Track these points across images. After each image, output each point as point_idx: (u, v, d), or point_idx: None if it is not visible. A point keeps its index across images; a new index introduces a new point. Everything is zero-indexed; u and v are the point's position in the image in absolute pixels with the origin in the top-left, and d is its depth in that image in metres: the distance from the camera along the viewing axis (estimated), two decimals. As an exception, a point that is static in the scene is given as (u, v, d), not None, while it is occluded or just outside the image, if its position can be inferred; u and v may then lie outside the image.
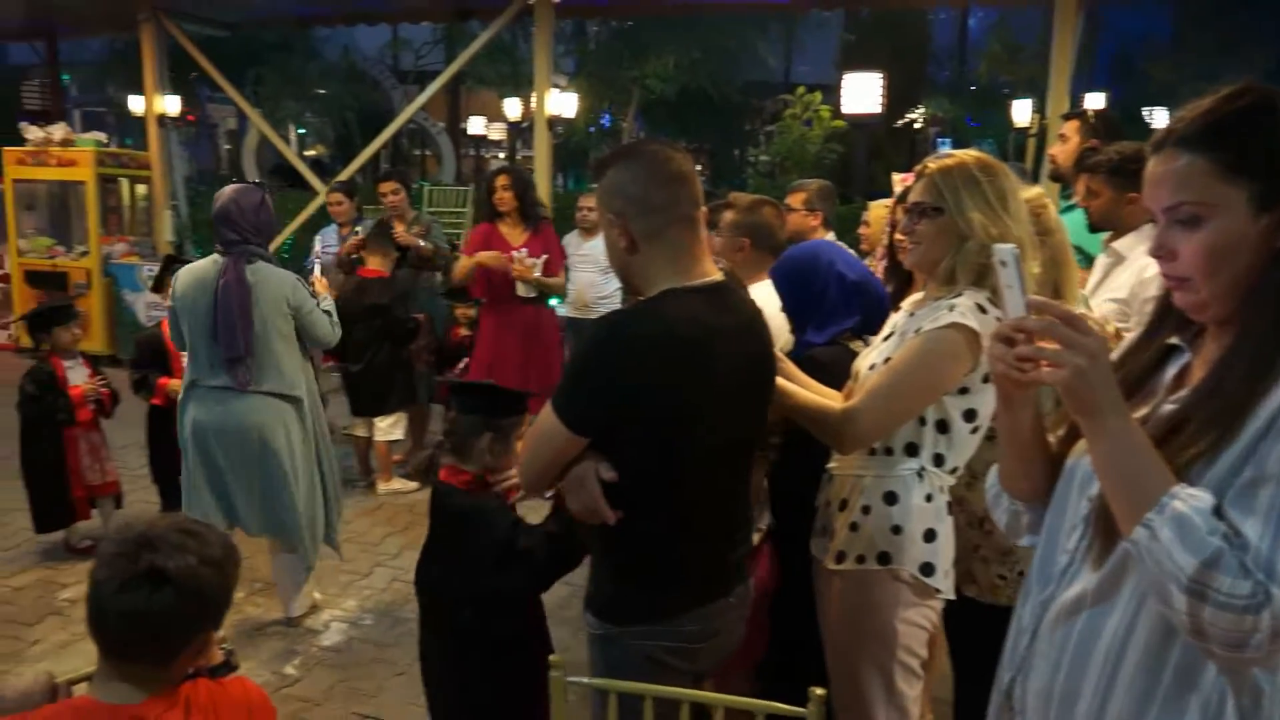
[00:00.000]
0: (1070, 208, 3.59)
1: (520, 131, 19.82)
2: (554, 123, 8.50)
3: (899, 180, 3.96)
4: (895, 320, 2.16)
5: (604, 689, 1.81)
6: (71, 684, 1.52)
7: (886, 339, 2.13)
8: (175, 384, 4.68)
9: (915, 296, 2.15)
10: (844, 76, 8.48)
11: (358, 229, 5.88)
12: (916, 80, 15.83)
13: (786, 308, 2.60)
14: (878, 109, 8.31)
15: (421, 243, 5.55)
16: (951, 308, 1.93)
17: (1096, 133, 3.77)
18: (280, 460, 3.66)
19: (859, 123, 8.66)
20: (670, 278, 1.79)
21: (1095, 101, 10.61)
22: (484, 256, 5.15)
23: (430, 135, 17.00)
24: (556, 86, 9.10)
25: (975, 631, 2.14)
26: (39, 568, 4.51)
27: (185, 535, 1.40)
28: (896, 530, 2.03)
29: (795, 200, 4.23)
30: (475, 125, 20.28)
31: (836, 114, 9.11)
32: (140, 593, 1.34)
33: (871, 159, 11.86)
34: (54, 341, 4.51)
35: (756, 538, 2.32)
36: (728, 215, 3.13)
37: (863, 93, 8.21)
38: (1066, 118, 4.12)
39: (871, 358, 2.12)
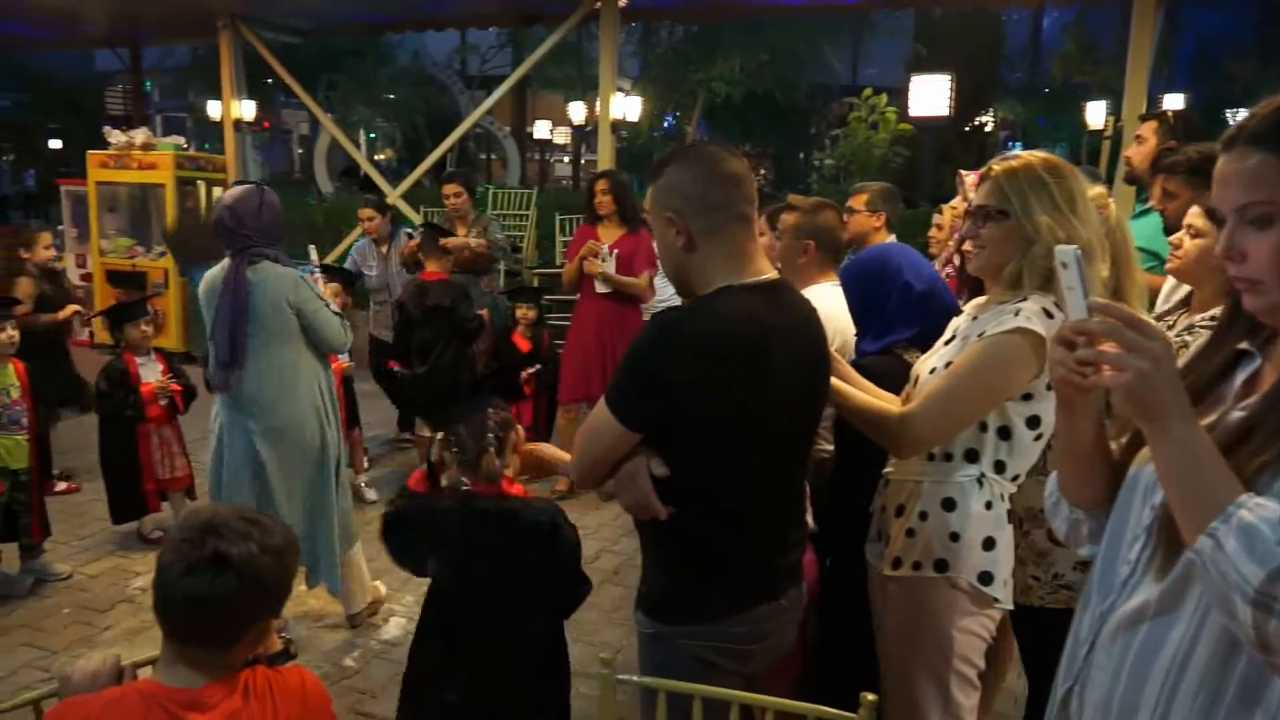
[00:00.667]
0: (1146, 211, 3.48)
1: (585, 135, 19.99)
2: (618, 126, 8.53)
3: (969, 181, 3.88)
4: (958, 323, 2.12)
5: (653, 688, 1.80)
6: (137, 667, 1.57)
7: (948, 342, 2.09)
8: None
9: (979, 300, 2.11)
10: (912, 78, 8.37)
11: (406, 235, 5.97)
12: (988, 82, 15.55)
13: (852, 312, 2.57)
14: (946, 111, 8.18)
15: (473, 241, 5.62)
16: (1016, 312, 1.89)
17: (1175, 134, 3.64)
18: (273, 478, 3.55)
19: (926, 125, 8.53)
20: (726, 276, 1.79)
21: (1174, 103, 10.30)
22: (585, 251, 5.29)
23: (496, 139, 17.23)
24: (621, 90, 9.14)
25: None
26: (113, 556, 4.66)
27: (248, 524, 1.44)
28: (954, 537, 2.00)
29: (858, 201, 4.19)
30: (540, 129, 20.47)
31: (903, 116, 8.99)
32: (204, 577, 1.38)
33: (939, 163, 11.66)
34: (125, 338, 4.66)
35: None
36: (788, 218, 3.10)
37: (931, 95, 8.09)
38: (1144, 119, 4.00)
39: (932, 361, 2.08)
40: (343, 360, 5.18)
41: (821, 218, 3.05)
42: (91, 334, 9.46)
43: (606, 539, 5.01)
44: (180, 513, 4.83)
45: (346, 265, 6.27)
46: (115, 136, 9.20)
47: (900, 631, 2.10)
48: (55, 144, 24.02)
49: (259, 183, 3.79)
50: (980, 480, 2.00)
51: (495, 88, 10.13)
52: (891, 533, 2.10)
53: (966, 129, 15.55)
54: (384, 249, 6.20)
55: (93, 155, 9.27)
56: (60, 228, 9.95)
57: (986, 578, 2.00)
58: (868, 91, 9.54)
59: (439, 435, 2.45)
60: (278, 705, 1.49)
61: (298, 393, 3.54)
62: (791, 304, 1.86)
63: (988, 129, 17.08)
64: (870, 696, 1.68)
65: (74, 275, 9.64)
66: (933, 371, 2.04)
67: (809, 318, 1.89)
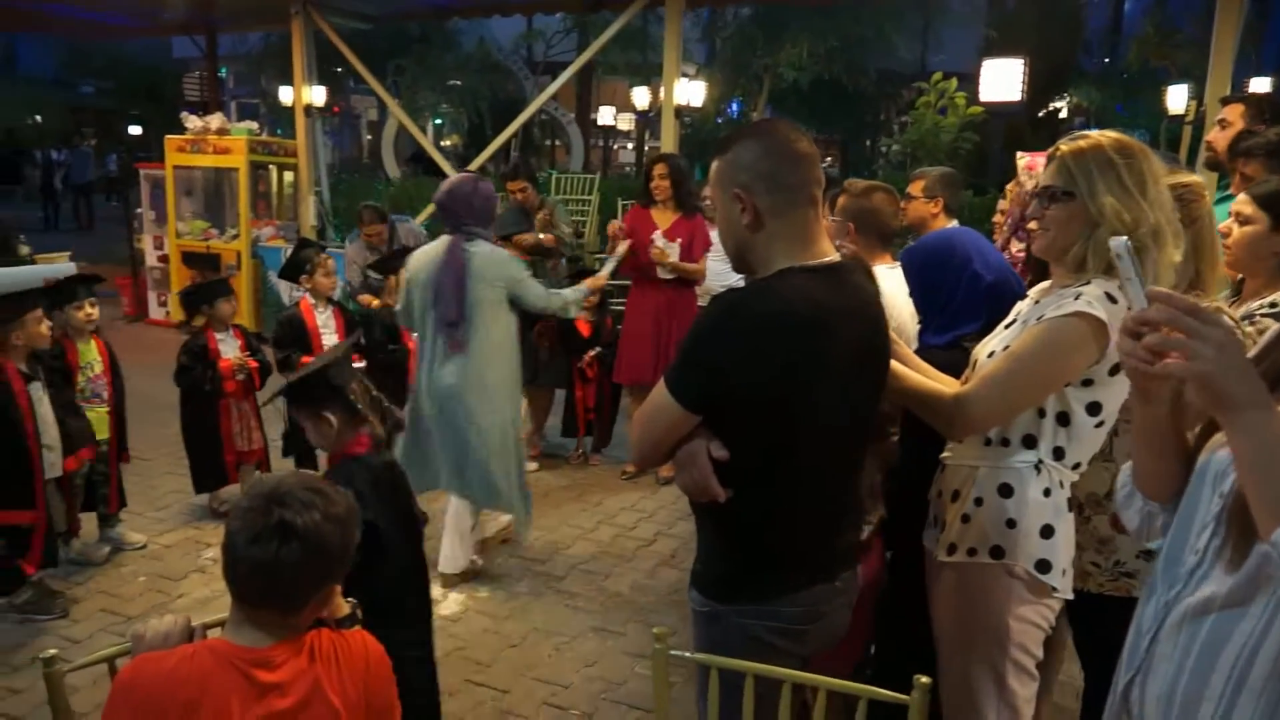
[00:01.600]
0: (1227, 198, 3.37)
1: (648, 121, 19.97)
2: (681, 112, 8.51)
3: (1024, 164, 3.79)
4: (1020, 307, 2.09)
5: (706, 665, 1.81)
6: (207, 628, 1.63)
7: (1009, 326, 2.05)
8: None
9: (1042, 285, 2.07)
10: (984, 63, 8.19)
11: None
12: (1063, 67, 15.12)
13: (915, 300, 2.52)
14: (1018, 96, 7.98)
15: (541, 236, 5.67)
16: (1078, 296, 1.85)
17: (1263, 117, 3.50)
18: (476, 418, 4.01)
19: (998, 111, 8.35)
20: (789, 257, 1.77)
21: (1261, 87, 9.91)
22: (622, 246, 5.31)
23: (560, 125, 17.29)
24: (685, 75, 9.10)
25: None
26: (186, 528, 4.82)
27: (313, 493, 1.49)
28: (1010, 524, 1.97)
29: (915, 187, 4.13)
30: (605, 115, 20.50)
31: (974, 102, 8.81)
32: (270, 545, 1.43)
33: (1010, 149, 11.37)
34: (215, 314, 4.80)
35: (867, 531, 2.28)
36: (840, 201, 3.08)
37: (1003, 79, 7.90)
38: (1227, 101, 3.85)
39: (991, 345, 2.05)
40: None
41: (869, 201, 3.01)
42: (168, 312, 9.77)
43: (663, 522, 5.03)
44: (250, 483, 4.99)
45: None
46: (192, 122, 9.44)
47: (955, 618, 2.08)
48: (135, 130, 24.81)
49: (475, 173, 4.40)
50: (1038, 466, 1.97)
51: (560, 73, 10.17)
52: (947, 518, 2.09)
53: (1040, 114, 15.16)
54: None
55: (170, 140, 9.53)
56: (139, 211, 10.26)
57: (1044, 566, 1.97)
58: (937, 76, 9.37)
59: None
60: (341, 667, 1.54)
61: (505, 353, 4.10)
62: (853, 287, 1.83)
63: (1062, 115, 16.62)
64: (924, 679, 1.66)
65: (151, 256, 9.96)
66: (991, 355, 2.01)
67: (870, 301, 1.87)
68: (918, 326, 2.54)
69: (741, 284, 4.82)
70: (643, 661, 3.64)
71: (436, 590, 4.19)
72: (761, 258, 1.81)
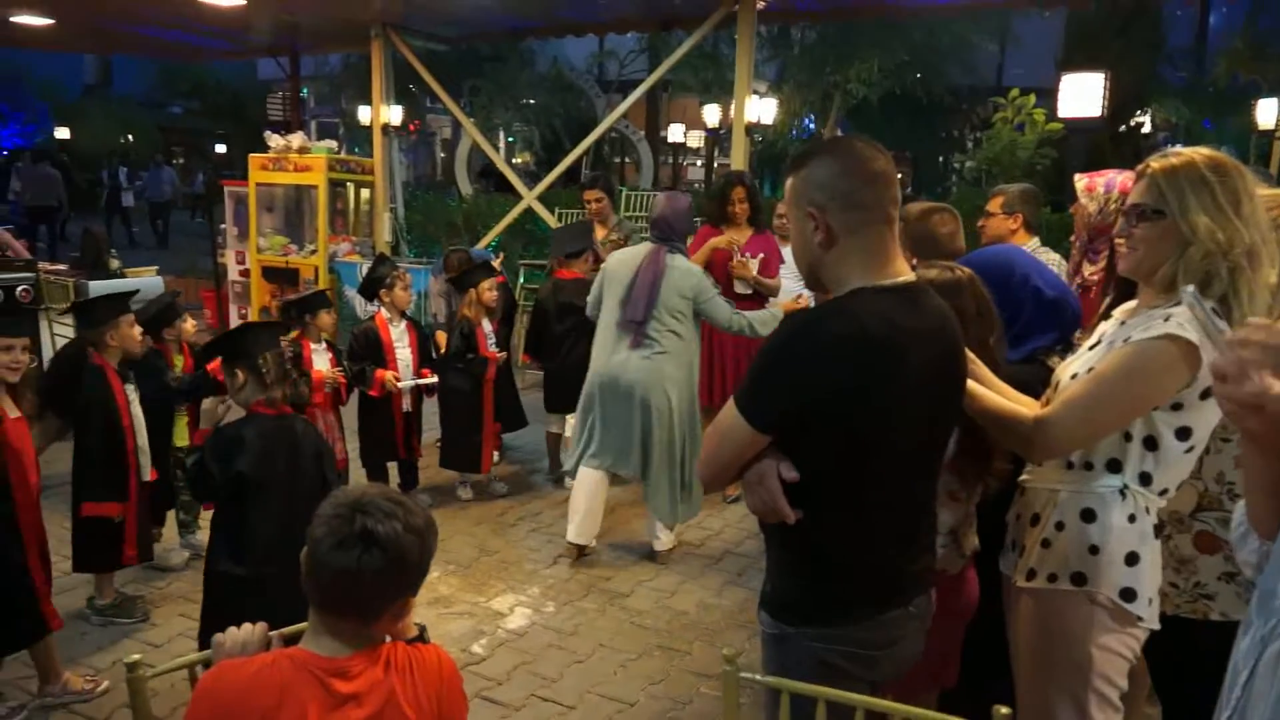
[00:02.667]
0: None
1: (718, 139, 19.97)
2: (752, 129, 8.48)
3: (1082, 186, 3.69)
4: (1105, 328, 2.03)
5: (776, 688, 1.79)
6: (284, 639, 1.66)
7: (1093, 347, 2.00)
8: (390, 375, 5.04)
9: (1129, 305, 2.01)
10: (1062, 77, 8.00)
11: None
12: (1146, 81, 14.71)
13: None
14: (1099, 112, 7.78)
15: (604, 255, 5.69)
16: (1167, 317, 1.79)
17: None
18: (651, 416, 4.40)
19: (1077, 127, 8.14)
20: (862, 276, 1.75)
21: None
22: (715, 241, 5.33)
23: (630, 143, 17.39)
24: (756, 93, 9.09)
25: (1146, 646, 1.99)
26: (264, 535, 4.93)
27: (394, 504, 1.52)
28: (1094, 550, 1.91)
29: (994, 204, 4.06)
30: (675, 133, 20.59)
31: (1052, 117, 8.62)
32: (352, 552, 1.46)
33: (1090, 166, 11.09)
34: (316, 324, 4.91)
35: (961, 563, 2.24)
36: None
37: (1083, 94, 7.70)
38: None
39: (1074, 366, 2.00)
40: (498, 354, 5.38)
41: (926, 225, 2.95)
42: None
43: (730, 541, 4.99)
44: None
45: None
46: (274, 140, 9.72)
47: (1035, 646, 2.02)
48: (220, 148, 25.68)
49: (685, 191, 4.75)
50: (1123, 492, 1.91)
51: (632, 92, 10.23)
52: (1026, 543, 2.03)
53: (1121, 130, 14.76)
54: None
55: (254, 158, 9.82)
56: (223, 226, 10.58)
57: (1129, 594, 1.90)
58: (1014, 92, 9.20)
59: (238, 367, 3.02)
60: (416, 680, 1.56)
61: (679, 359, 4.44)
62: (927, 307, 1.80)
63: (1145, 130, 16.15)
64: (1003, 709, 1.62)
65: (233, 271, 10.26)
66: (1074, 376, 1.95)
67: (945, 321, 1.84)
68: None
69: (811, 302, 4.75)
70: (708, 681, 3.61)
71: (504, 602, 4.22)
72: (834, 276, 1.79)
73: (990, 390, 1.99)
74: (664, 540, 4.70)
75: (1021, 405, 1.98)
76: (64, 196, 17.10)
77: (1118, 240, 1.95)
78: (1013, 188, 4.15)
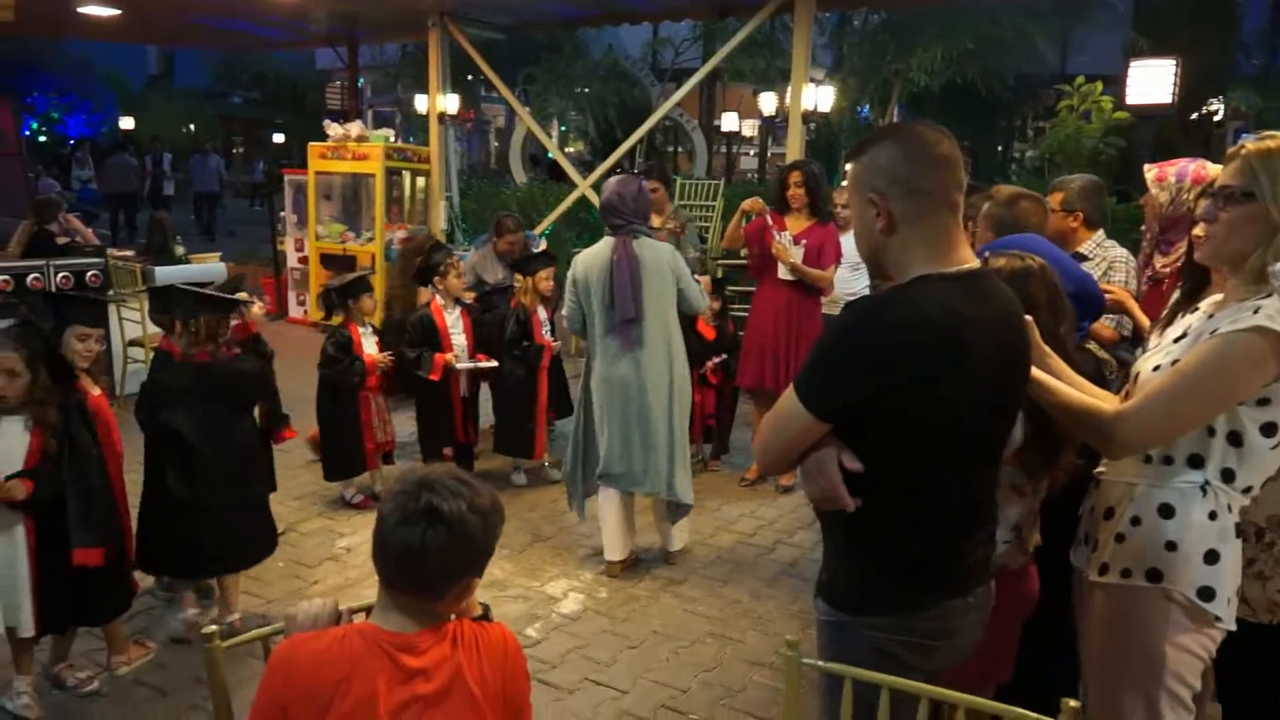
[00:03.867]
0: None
1: (772, 128, 19.81)
2: (808, 117, 8.40)
3: (1151, 177, 3.59)
4: (1190, 321, 1.97)
5: (838, 675, 1.77)
6: (353, 613, 1.69)
7: (1178, 340, 1.94)
8: (450, 358, 5.11)
9: (1215, 297, 1.95)
10: (1130, 64, 7.79)
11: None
12: (1218, 69, 14.26)
13: None
14: (1169, 100, 7.56)
15: (680, 234, 5.68)
16: (1256, 310, 1.74)
17: None
18: (653, 409, 4.20)
19: (1145, 115, 7.91)
20: (926, 263, 1.72)
21: None
22: (746, 204, 5.31)
23: (685, 131, 17.34)
24: (814, 80, 8.99)
25: (1242, 656, 1.93)
26: (321, 518, 5.03)
27: (460, 483, 1.54)
28: (1170, 547, 1.86)
29: (1054, 200, 3.95)
30: (728, 122, 20.47)
31: (1120, 106, 8.39)
32: (417, 527, 1.48)
33: (1159, 155, 10.76)
34: (358, 308, 5.01)
35: (1023, 559, 2.20)
36: (984, 208, 2.98)
37: (1152, 82, 7.47)
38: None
39: (1157, 359, 1.94)
40: (554, 343, 5.41)
41: (1014, 210, 2.91)
42: (306, 311, 10.22)
43: (783, 530, 4.97)
44: (378, 476, 5.19)
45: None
46: (333, 129, 9.87)
47: (1107, 643, 1.98)
48: (278, 138, 26.13)
49: (636, 172, 4.61)
50: (1204, 488, 1.86)
51: (686, 80, 10.19)
52: (1100, 537, 1.99)
53: (1192, 118, 14.33)
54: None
55: (313, 147, 9.97)
56: (282, 214, 10.77)
57: (1207, 593, 1.85)
58: (1080, 79, 8.99)
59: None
60: (482, 656, 1.58)
61: (674, 345, 4.26)
62: (992, 295, 1.77)
63: (1217, 119, 15.67)
64: (1072, 702, 1.59)
65: (292, 258, 10.44)
66: (1156, 369, 1.90)
67: (1010, 310, 1.80)
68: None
69: (866, 293, 4.74)
70: (761, 670, 3.61)
71: (558, 587, 4.25)
72: (896, 263, 1.77)
73: (1066, 383, 1.94)
74: (678, 540, 4.55)
75: (1099, 399, 1.93)
76: (142, 184, 17.55)
77: (1198, 226, 1.89)
78: (1073, 182, 4.01)
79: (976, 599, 1.86)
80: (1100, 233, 3.86)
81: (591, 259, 4.24)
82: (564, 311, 4.48)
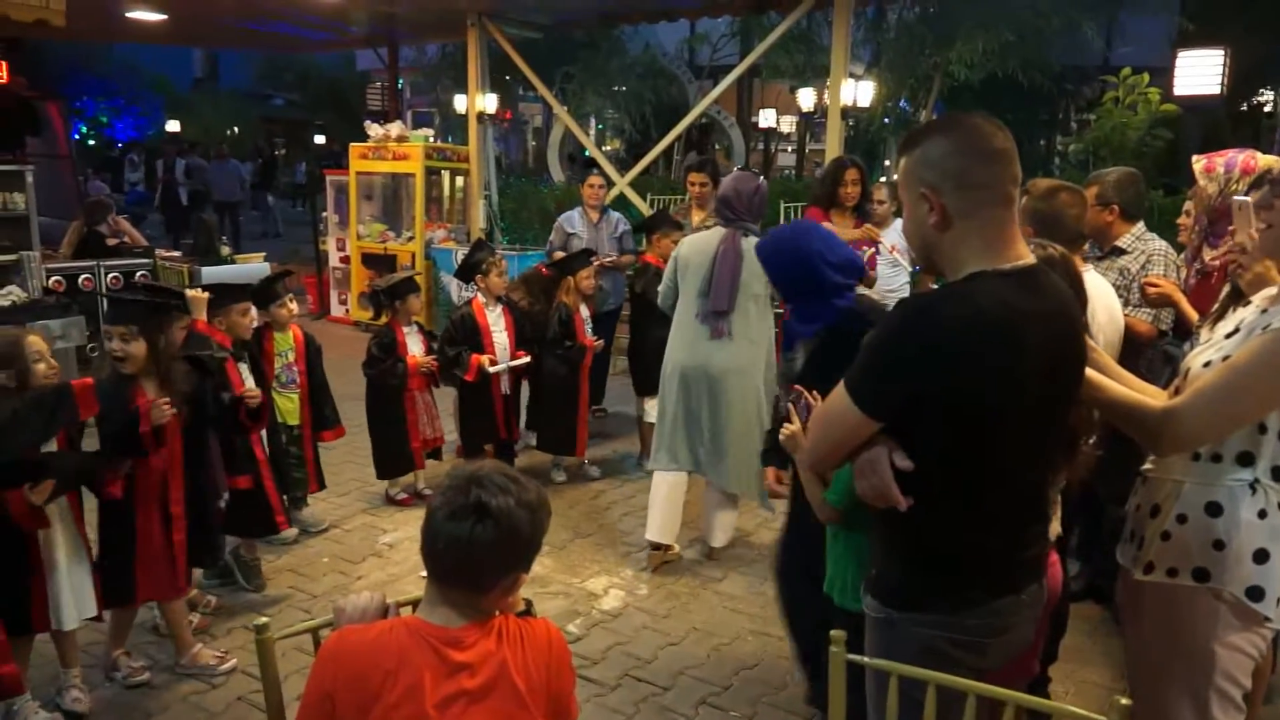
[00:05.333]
0: None
1: (810, 125, 19.67)
2: (847, 113, 8.35)
3: (1199, 168, 3.51)
4: (1242, 315, 1.93)
5: (885, 672, 1.76)
6: (400, 607, 1.71)
7: (1230, 335, 1.91)
8: (485, 359, 5.15)
9: (1269, 290, 1.91)
10: (1178, 55, 7.63)
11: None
12: (1269, 59, 13.93)
13: (777, 286, 2.95)
14: (1218, 90, 7.40)
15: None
16: None
17: None
18: (736, 408, 4.22)
19: (1193, 106, 7.74)
20: (980, 259, 1.69)
21: None
22: (852, 234, 5.28)
23: (722, 128, 17.27)
24: (853, 75, 8.92)
25: None
26: (365, 514, 5.09)
27: (508, 479, 1.56)
28: (1218, 545, 1.83)
29: (1089, 194, 3.88)
30: (766, 119, 20.37)
31: (1167, 97, 8.24)
32: (466, 522, 1.50)
33: (1207, 147, 10.52)
34: (405, 308, 5.07)
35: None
36: (1022, 202, 2.94)
37: (1200, 73, 7.33)
38: None
39: (1208, 354, 1.91)
40: (596, 342, 5.43)
41: (1053, 202, 2.87)
42: (347, 310, 10.35)
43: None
44: (420, 476, 5.24)
45: (553, 232, 6.77)
46: (374, 130, 9.98)
47: (1153, 642, 1.96)
48: (320, 139, 26.44)
49: (756, 172, 4.70)
50: (1253, 486, 1.83)
51: (723, 77, 10.16)
52: (1145, 535, 1.96)
53: (1242, 109, 14.02)
54: (595, 218, 6.63)
55: (355, 148, 10.10)
56: (324, 214, 10.92)
57: (1256, 593, 1.82)
58: (1125, 70, 8.83)
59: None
60: (527, 651, 1.59)
61: (762, 346, 4.31)
62: (1048, 290, 1.73)
63: (1268, 110, 15.31)
64: (1123, 700, 1.57)
65: (334, 257, 10.57)
66: (1207, 365, 1.87)
67: (1066, 305, 1.77)
68: (1119, 331, 2.41)
69: (904, 295, 4.70)
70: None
71: (598, 583, 4.27)
72: (949, 259, 1.74)
73: (1113, 379, 1.92)
74: (721, 536, 4.57)
75: (1146, 395, 1.90)
76: (247, 189, 17.15)
77: (1255, 219, 1.85)
78: (1108, 175, 3.95)
79: (1029, 596, 1.84)
80: (1140, 225, 3.79)
81: (698, 244, 4.32)
82: (660, 287, 4.56)
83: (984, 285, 1.65)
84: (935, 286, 3.99)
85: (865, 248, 5.24)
